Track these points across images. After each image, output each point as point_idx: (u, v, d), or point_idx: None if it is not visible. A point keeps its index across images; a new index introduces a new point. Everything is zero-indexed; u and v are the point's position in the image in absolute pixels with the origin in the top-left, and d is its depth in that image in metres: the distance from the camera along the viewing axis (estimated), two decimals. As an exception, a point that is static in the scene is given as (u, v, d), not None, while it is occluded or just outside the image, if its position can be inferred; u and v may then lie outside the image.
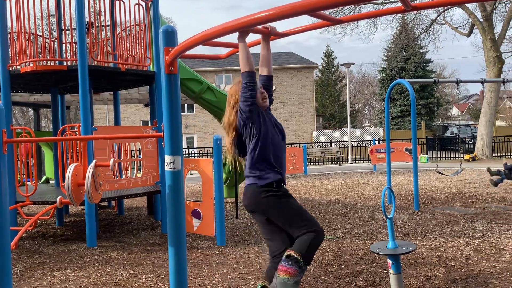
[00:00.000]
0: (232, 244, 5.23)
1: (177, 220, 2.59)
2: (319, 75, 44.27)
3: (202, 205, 5.34)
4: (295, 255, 2.79)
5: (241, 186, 10.19)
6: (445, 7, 21.80)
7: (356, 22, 23.28)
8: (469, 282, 3.64)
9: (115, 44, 6.35)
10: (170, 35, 2.58)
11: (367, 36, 61.68)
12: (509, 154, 20.79)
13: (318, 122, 36.88)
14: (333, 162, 20.29)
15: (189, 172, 7.10)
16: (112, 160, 3.27)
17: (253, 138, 2.91)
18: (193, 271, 4.20)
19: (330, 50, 45.55)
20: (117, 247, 5.29)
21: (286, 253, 2.83)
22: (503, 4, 21.17)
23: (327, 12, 2.72)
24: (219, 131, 8.03)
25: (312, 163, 19.73)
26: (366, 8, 21.95)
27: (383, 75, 37.51)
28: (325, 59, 44.70)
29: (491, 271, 3.91)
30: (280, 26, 2.88)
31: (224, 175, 8.12)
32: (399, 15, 24.25)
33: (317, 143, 22.59)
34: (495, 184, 8.07)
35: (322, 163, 20.22)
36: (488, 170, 8.49)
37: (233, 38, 2.91)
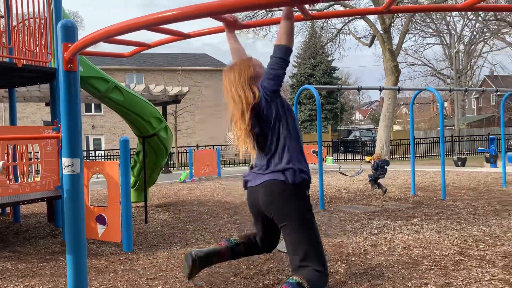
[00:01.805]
0: (139, 250, 5.07)
1: (76, 226, 2.45)
2: (233, 78, 44.67)
3: (108, 210, 5.10)
4: (305, 284, 2.48)
5: (151, 189, 9.94)
6: (350, 18, 23.27)
7: (267, 27, 23.92)
8: (367, 276, 3.91)
9: (10, 37, 5.84)
10: (70, 30, 2.44)
11: (278, 42, 63.59)
12: (405, 156, 22.72)
13: (232, 124, 37.20)
14: (247, 164, 20.62)
15: (95, 175, 6.75)
16: (1, 163, 2.99)
17: (283, 122, 2.51)
18: (96, 279, 3.99)
19: (244, 54, 46.24)
20: (11, 258, 4.85)
21: (296, 279, 2.49)
22: (400, 18, 23.15)
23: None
24: (129, 132, 7.70)
25: (226, 165, 19.86)
26: (278, 15, 22.62)
27: (294, 80, 39.01)
28: (239, 63, 45.25)
29: (385, 264, 4.23)
30: (185, 26, 2.83)
31: (132, 179, 7.85)
32: (308, 23, 25.39)
33: (232, 145, 22.80)
34: (375, 185, 8.72)
35: (236, 165, 20.45)
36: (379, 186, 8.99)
37: (137, 36, 2.79)
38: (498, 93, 10.73)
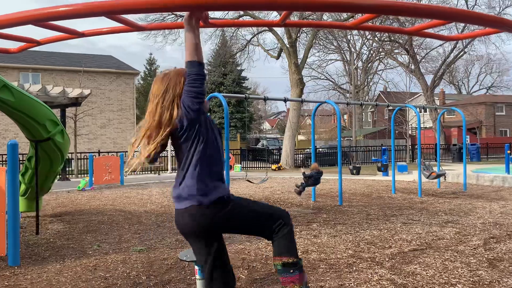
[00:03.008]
0: (28, 264, 4.65)
1: None
2: (142, 82, 43.46)
3: (-9, 221, 4.61)
4: (289, 260, 2.52)
5: (45, 198, 9.21)
6: (259, 30, 23.92)
7: (177, 31, 23.66)
8: (267, 281, 4.00)
9: None
10: None
11: (188, 48, 63.24)
12: (307, 164, 23.80)
13: (139, 130, 36.04)
14: (153, 172, 20.03)
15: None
16: None
17: (199, 144, 2.43)
18: (-27, 298, 3.58)
19: (153, 58, 45.26)
20: None
21: (278, 262, 2.55)
22: (305, 34, 24.33)
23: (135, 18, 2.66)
24: (21, 136, 7.04)
25: (130, 173, 19.13)
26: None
27: (204, 87, 39.01)
28: (148, 67, 44.14)
29: (285, 269, 4.37)
30: (82, 24, 2.68)
31: (23, 186, 7.22)
32: (218, 32, 25.59)
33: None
34: (299, 193, 9.11)
35: (141, 172, 19.76)
36: (296, 185, 9.57)
37: (26, 31, 2.57)
38: (390, 107, 11.77)
